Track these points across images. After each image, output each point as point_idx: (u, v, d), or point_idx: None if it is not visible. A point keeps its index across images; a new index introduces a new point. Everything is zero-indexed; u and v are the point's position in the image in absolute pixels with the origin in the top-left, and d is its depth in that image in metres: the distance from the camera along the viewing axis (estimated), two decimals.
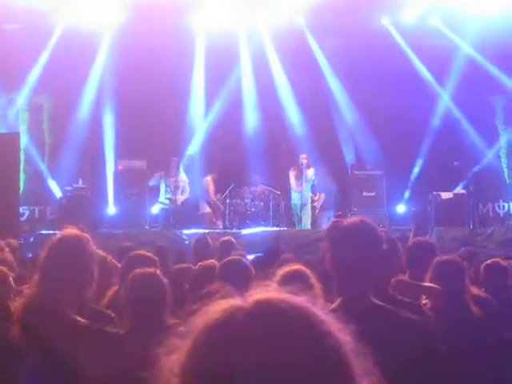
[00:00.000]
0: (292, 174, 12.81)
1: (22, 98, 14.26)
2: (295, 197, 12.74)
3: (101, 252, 3.78)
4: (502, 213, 14.32)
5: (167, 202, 12.65)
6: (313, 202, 13.00)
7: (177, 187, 12.58)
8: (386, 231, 3.63)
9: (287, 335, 0.95)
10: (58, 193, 13.60)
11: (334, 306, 2.46)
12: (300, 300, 1.00)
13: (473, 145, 14.40)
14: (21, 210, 12.16)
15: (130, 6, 12.93)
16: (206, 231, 10.88)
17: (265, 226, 12.31)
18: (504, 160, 14.89)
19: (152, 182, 12.80)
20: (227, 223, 12.63)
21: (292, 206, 12.90)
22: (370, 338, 1.11)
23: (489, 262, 5.09)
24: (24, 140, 13.10)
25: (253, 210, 12.74)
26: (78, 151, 13.70)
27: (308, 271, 3.24)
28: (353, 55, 13.69)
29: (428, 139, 14.40)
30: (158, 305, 3.21)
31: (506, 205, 14.34)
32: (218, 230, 11.85)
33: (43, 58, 13.82)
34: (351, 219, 2.80)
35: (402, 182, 14.25)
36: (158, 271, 3.40)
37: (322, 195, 13.08)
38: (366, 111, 14.03)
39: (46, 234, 11.12)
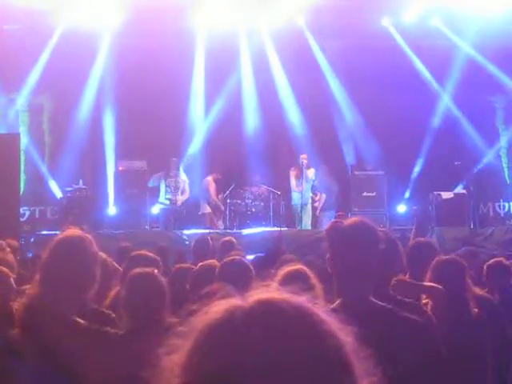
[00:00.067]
0: (292, 174, 12.82)
1: (22, 99, 14.27)
2: (295, 197, 12.75)
3: (101, 253, 3.78)
4: (502, 213, 14.32)
5: (167, 202, 12.65)
6: (313, 202, 13.01)
7: (177, 188, 12.59)
8: (386, 231, 3.63)
9: (288, 335, 0.94)
10: (58, 193, 13.61)
11: (334, 306, 2.46)
12: (301, 300, 1.00)
13: (473, 145, 14.40)
14: (21, 210, 12.15)
15: (130, 7, 12.94)
16: (207, 231, 10.90)
17: (265, 226, 12.32)
18: (504, 160, 14.90)
19: (152, 183, 12.80)
20: (228, 223, 12.64)
21: (292, 207, 12.91)
22: (370, 338, 1.11)
23: (492, 261, 5.07)
24: (24, 141, 13.09)
25: (253, 210, 12.75)
26: (78, 152, 13.71)
27: (309, 271, 3.24)
28: (353, 56, 13.69)
29: (428, 139, 14.41)
30: (156, 305, 3.20)
31: (506, 205, 14.34)
32: (218, 231, 11.86)
33: (43, 58, 13.83)
34: (351, 219, 2.80)
35: (403, 182, 14.25)
36: (156, 271, 3.40)
37: (323, 195, 13.08)
38: (366, 111, 14.04)
39: (46, 235, 11.15)
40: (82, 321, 3.07)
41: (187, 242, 10.61)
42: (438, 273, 3.97)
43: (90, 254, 3.17)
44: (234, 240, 7.53)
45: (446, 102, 14.59)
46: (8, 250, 5.63)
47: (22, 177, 13.08)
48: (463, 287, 4.02)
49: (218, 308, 0.99)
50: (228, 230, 11.92)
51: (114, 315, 3.44)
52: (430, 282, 3.91)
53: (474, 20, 13.59)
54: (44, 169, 14.14)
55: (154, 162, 12.95)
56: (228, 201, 12.76)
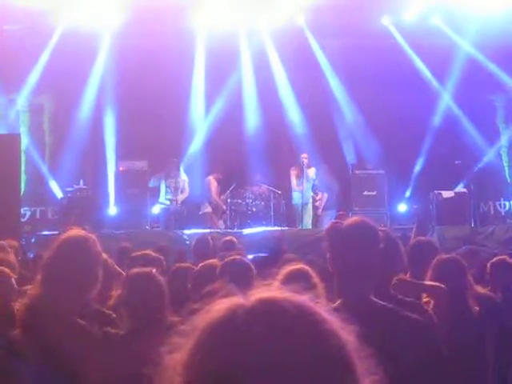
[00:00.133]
0: (293, 174, 12.82)
1: (22, 99, 14.27)
2: (296, 196, 12.75)
3: (103, 254, 3.79)
4: (503, 211, 14.31)
5: (167, 202, 12.65)
6: (314, 201, 13.01)
7: (177, 188, 12.59)
8: (387, 230, 3.63)
9: (290, 334, 0.95)
10: (59, 193, 13.61)
11: (335, 305, 2.46)
12: (303, 299, 1.00)
13: (474, 143, 14.40)
14: (22, 210, 12.15)
15: (130, 7, 12.94)
16: (208, 231, 10.90)
17: (266, 225, 12.32)
18: (505, 158, 14.90)
19: (152, 184, 12.80)
20: (228, 223, 12.65)
21: (293, 206, 12.91)
22: (371, 337, 1.11)
23: (495, 259, 5.06)
24: (25, 141, 13.09)
25: (254, 209, 12.75)
26: (78, 152, 13.71)
27: (311, 270, 3.24)
28: (353, 55, 13.68)
29: (429, 138, 14.40)
30: (156, 304, 3.20)
31: (507, 203, 14.33)
32: (219, 230, 11.86)
33: (44, 58, 13.83)
34: (351, 219, 2.80)
35: (403, 181, 14.25)
36: (154, 270, 3.39)
37: (325, 195, 13.08)
38: (366, 110, 14.03)
39: (47, 235, 11.16)
40: (82, 322, 3.07)
41: (188, 242, 10.61)
42: (439, 272, 3.97)
43: (94, 255, 3.17)
44: (235, 239, 7.54)
45: (446, 100, 14.59)
46: (9, 250, 5.63)
47: (23, 177, 13.09)
48: (464, 286, 4.02)
49: (219, 307, 0.99)
50: (229, 230, 11.93)
51: (114, 315, 3.44)
52: (431, 280, 3.92)
53: (475, 19, 13.59)
54: (44, 169, 14.15)
55: (155, 162, 12.95)
56: (229, 200, 12.76)
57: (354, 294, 2.54)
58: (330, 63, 14.57)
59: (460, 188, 13.25)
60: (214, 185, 13.12)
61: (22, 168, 12.64)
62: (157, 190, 12.86)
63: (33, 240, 11.14)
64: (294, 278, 2.94)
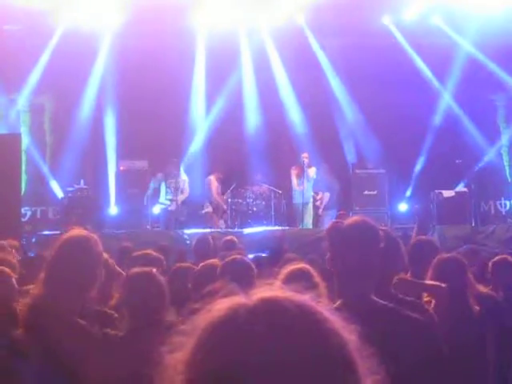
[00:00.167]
0: (293, 173, 12.82)
1: (23, 99, 14.27)
2: (297, 196, 12.74)
3: (104, 254, 3.79)
4: (503, 211, 14.31)
5: (168, 202, 12.64)
6: (315, 200, 13.01)
7: (177, 188, 12.58)
8: (387, 229, 3.62)
9: (291, 333, 0.95)
10: (59, 193, 13.62)
11: (336, 305, 2.46)
12: (304, 298, 1.00)
13: (474, 143, 14.39)
14: (23, 210, 12.15)
15: (130, 7, 12.93)
16: (208, 231, 10.90)
17: (267, 225, 12.32)
18: (506, 158, 14.89)
19: (153, 185, 12.78)
20: (229, 222, 12.65)
21: (294, 205, 12.91)
22: (371, 337, 1.11)
23: (497, 258, 5.06)
24: (25, 141, 13.10)
25: (254, 209, 12.75)
26: (79, 152, 13.71)
27: (312, 270, 3.24)
28: (354, 54, 13.68)
29: (429, 137, 14.40)
30: (155, 304, 3.19)
31: (507, 203, 14.32)
32: (219, 230, 11.86)
33: (44, 58, 13.84)
34: (352, 219, 2.80)
35: (404, 181, 14.25)
36: (154, 270, 3.39)
37: (327, 194, 13.08)
38: (367, 110, 14.03)
39: (47, 235, 11.17)
40: (83, 322, 3.07)
41: (188, 242, 10.60)
42: (439, 271, 3.97)
43: (95, 254, 3.17)
44: (236, 239, 7.54)
45: (446, 100, 14.58)
46: (9, 250, 5.63)
47: (24, 177, 13.09)
48: (464, 285, 4.02)
49: (221, 306, 0.99)
50: (229, 229, 11.92)
51: (116, 315, 3.44)
52: (431, 280, 3.91)
53: (475, 18, 13.58)
54: (45, 169, 14.15)
55: (155, 162, 12.95)
56: (229, 200, 12.76)
57: (355, 294, 2.54)
58: (331, 62, 14.57)
59: (461, 187, 13.24)
60: (214, 184, 13.11)
61: (23, 168, 12.65)
62: (157, 190, 12.86)
63: (33, 240, 11.15)
64: (295, 278, 2.95)
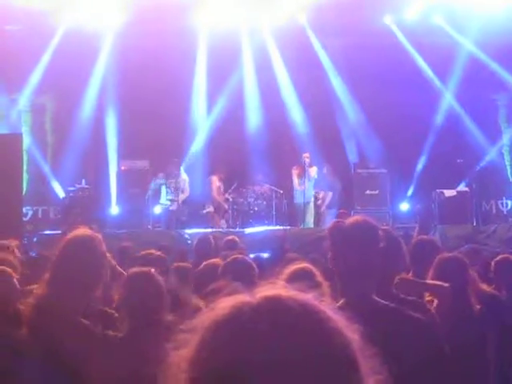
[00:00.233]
0: (295, 173, 12.82)
1: (24, 99, 14.29)
2: (298, 195, 12.74)
3: (108, 254, 3.78)
4: (505, 210, 14.30)
5: (168, 203, 12.64)
6: (316, 200, 13.00)
7: (177, 188, 12.58)
8: (389, 229, 3.62)
9: (295, 332, 0.95)
10: (60, 193, 13.63)
11: (339, 304, 2.46)
12: (307, 297, 1.00)
13: (476, 142, 14.38)
14: (24, 210, 12.16)
15: (132, 6, 12.94)
16: (209, 231, 10.90)
17: (268, 225, 12.32)
18: (507, 157, 14.89)
19: (153, 186, 12.78)
20: (230, 222, 12.65)
21: (295, 205, 12.91)
22: (374, 336, 1.11)
23: (500, 257, 5.06)
24: (27, 141, 13.11)
25: (256, 209, 12.76)
26: (80, 152, 13.72)
27: (314, 269, 3.24)
28: (355, 53, 13.68)
29: (431, 137, 14.40)
30: (154, 304, 3.19)
31: (509, 202, 14.32)
32: (221, 230, 11.86)
33: (45, 58, 13.85)
34: (353, 218, 2.79)
35: (405, 180, 14.24)
36: (153, 270, 3.39)
37: (329, 193, 13.07)
38: (368, 109, 14.03)
39: (49, 235, 11.18)
40: (86, 321, 3.07)
41: (189, 242, 10.61)
42: (441, 270, 3.97)
43: (99, 254, 3.17)
44: (237, 239, 7.54)
45: (448, 99, 14.58)
46: (11, 250, 5.63)
47: (25, 177, 13.09)
48: (466, 284, 4.02)
49: (225, 304, 0.99)
50: (231, 229, 11.92)
51: (117, 315, 3.44)
52: (433, 279, 3.91)
53: (476, 17, 13.58)
54: (46, 169, 14.16)
55: (157, 162, 12.95)
56: (230, 200, 12.76)
57: (356, 294, 2.53)
58: (332, 62, 14.57)
59: (462, 187, 13.23)
60: (215, 184, 13.11)
61: (24, 167, 12.66)
62: (158, 190, 12.86)
63: (35, 239, 11.16)
64: (298, 277, 2.94)
